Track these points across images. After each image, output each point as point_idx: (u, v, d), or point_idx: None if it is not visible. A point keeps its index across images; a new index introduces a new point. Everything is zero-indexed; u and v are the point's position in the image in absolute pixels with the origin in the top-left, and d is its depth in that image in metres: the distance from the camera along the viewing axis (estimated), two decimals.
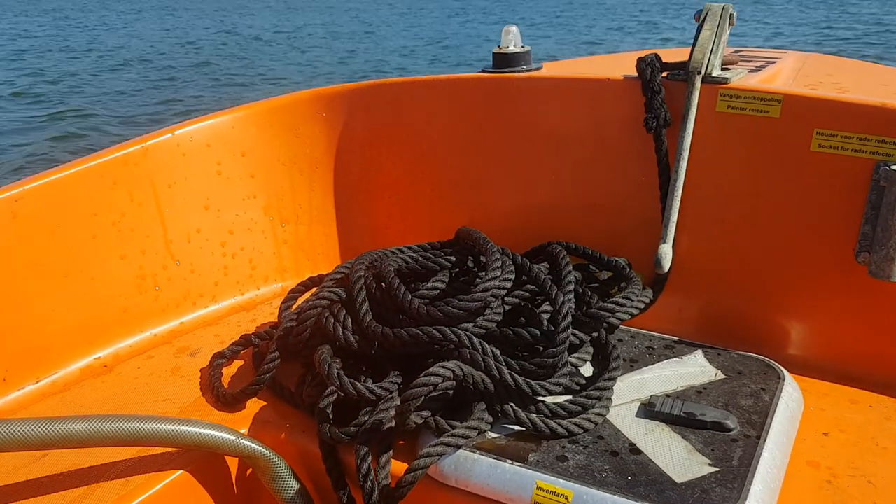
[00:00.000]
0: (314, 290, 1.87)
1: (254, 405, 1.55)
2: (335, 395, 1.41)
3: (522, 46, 1.97)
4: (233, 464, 1.47)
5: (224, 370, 1.67)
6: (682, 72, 1.72)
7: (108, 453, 1.39)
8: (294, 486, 1.39)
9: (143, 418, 1.28)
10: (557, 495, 1.19)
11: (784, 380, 1.48)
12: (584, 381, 1.45)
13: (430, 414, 1.33)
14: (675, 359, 1.57)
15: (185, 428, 1.30)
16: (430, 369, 1.30)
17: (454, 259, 1.61)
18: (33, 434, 1.19)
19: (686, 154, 1.66)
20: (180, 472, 1.36)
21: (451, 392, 1.36)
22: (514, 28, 1.98)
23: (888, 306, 1.56)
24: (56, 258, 1.70)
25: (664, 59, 1.76)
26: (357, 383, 1.37)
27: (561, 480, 1.21)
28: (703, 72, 1.69)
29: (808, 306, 1.65)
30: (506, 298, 1.53)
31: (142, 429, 1.27)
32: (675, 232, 1.68)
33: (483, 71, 1.98)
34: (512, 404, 1.34)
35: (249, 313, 1.96)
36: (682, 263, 1.74)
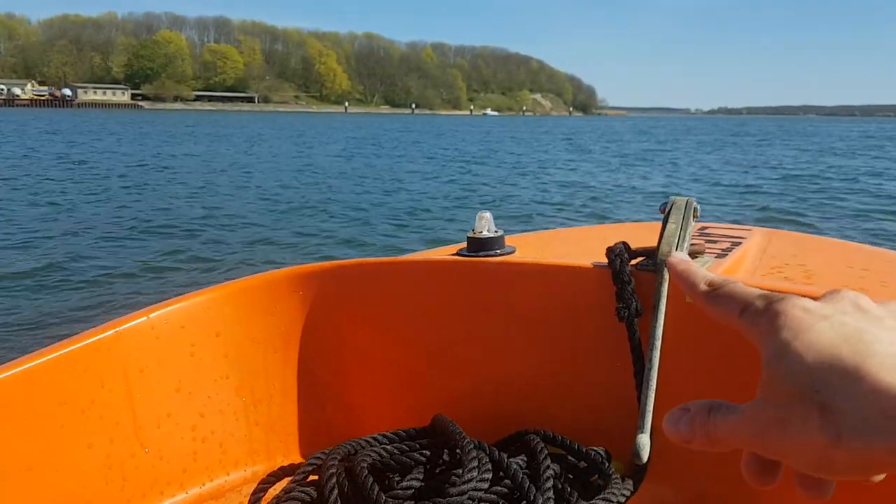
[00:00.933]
0: (286, 480, 1.82)
1: None
2: None
3: (496, 231, 2.04)
4: None
5: None
6: (651, 263, 1.77)
7: None
8: None
9: None
10: None
11: None
12: None
13: None
14: None
15: None
16: None
17: (428, 454, 1.59)
18: None
19: (658, 343, 1.69)
20: None
21: None
22: (487, 214, 2.05)
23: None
24: (21, 451, 1.65)
25: (634, 241, 1.82)
26: None
27: None
28: None
29: (791, 497, 1.63)
30: (483, 495, 1.50)
31: None
32: (653, 420, 1.67)
33: (458, 254, 2.03)
34: None
35: (218, 502, 1.90)
36: (661, 452, 1.73)
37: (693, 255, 1.83)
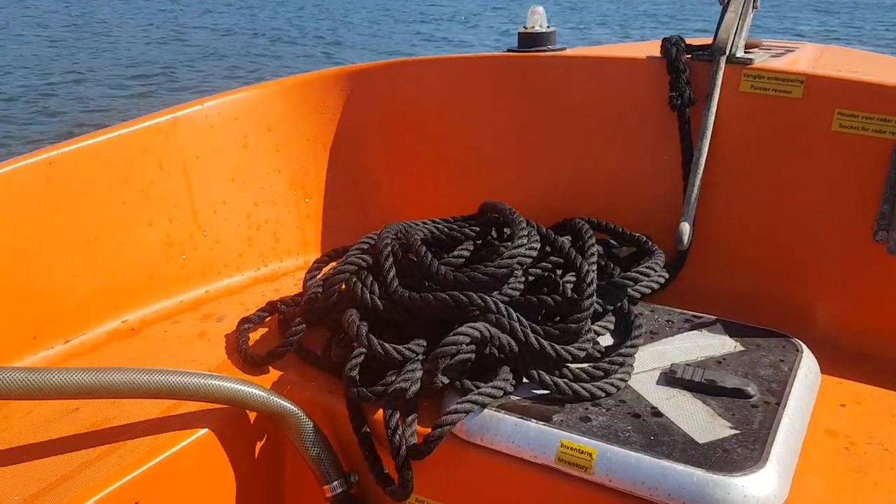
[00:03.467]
0: (338, 260, 1.90)
1: (279, 368, 1.58)
2: (362, 356, 1.43)
3: (548, 27, 2.00)
4: (256, 424, 1.50)
5: (250, 335, 1.70)
6: (707, 52, 1.75)
7: (136, 411, 1.42)
8: (321, 444, 1.42)
9: (176, 372, 1.31)
10: (582, 453, 1.22)
11: (802, 352, 1.50)
12: (604, 350, 1.48)
13: (456, 375, 1.37)
14: (694, 331, 1.59)
15: (217, 382, 1.33)
16: (459, 329, 1.33)
17: (478, 230, 1.64)
18: (71, 382, 1.22)
19: (709, 132, 1.69)
20: (205, 430, 1.39)
21: (473, 356, 1.39)
22: (540, 8, 2.01)
23: None
24: (86, 222, 1.73)
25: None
26: (385, 344, 1.40)
27: (585, 439, 1.23)
28: (727, 52, 1.72)
29: (826, 283, 1.68)
30: (529, 269, 1.56)
31: (175, 382, 1.30)
32: (696, 209, 1.70)
33: (508, 51, 2.01)
34: (536, 368, 1.37)
35: (273, 284, 2.00)
36: (701, 240, 1.77)
37: (749, 47, 1.80)
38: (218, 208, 1.98)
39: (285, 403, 1.39)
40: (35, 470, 1.28)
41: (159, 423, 1.39)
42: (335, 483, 1.42)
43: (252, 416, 1.46)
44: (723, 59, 1.70)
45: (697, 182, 1.69)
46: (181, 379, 1.30)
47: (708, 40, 1.86)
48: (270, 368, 1.59)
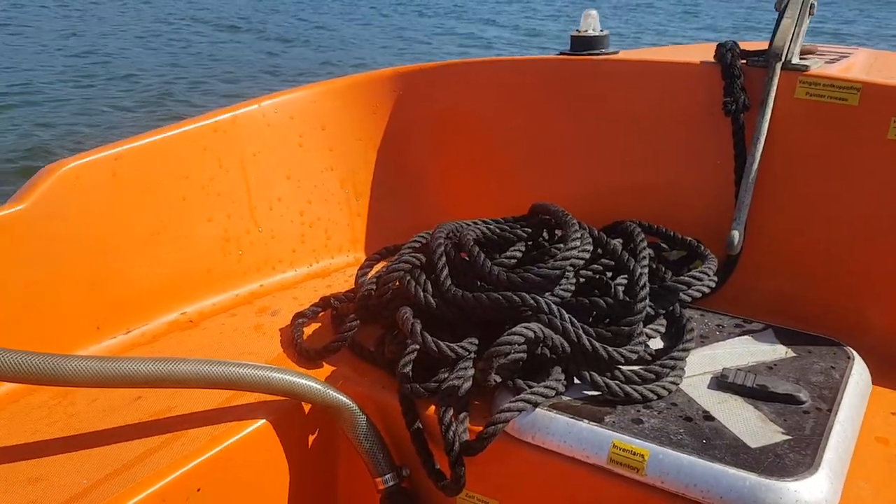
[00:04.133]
0: (389, 259, 1.94)
1: (333, 362, 1.62)
2: (416, 353, 1.47)
3: (601, 30, 2.02)
4: (311, 417, 1.54)
5: (304, 329, 1.74)
6: (762, 58, 1.75)
7: (196, 401, 1.47)
8: (374, 437, 1.45)
9: (237, 364, 1.36)
10: (634, 454, 1.24)
11: (853, 360, 1.50)
12: (654, 353, 1.49)
13: (508, 374, 1.39)
14: (745, 336, 1.60)
15: (276, 375, 1.38)
16: (513, 329, 1.35)
17: (530, 231, 1.66)
18: (139, 371, 1.27)
19: (763, 138, 1.69)
20: (263, 421, 1.43)
21: (524, 357, 1.41)
22: (594, 12, 2.03)
23: None
24: (149, 216, 1.79)
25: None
26: (438, 341, 1.43)
27: (637, 440, 1.25)
28: (783, 58, 1.72)
29: (879, 291, 1.67)
30: (580, 271, 1.57)
31: (237, 373, 1.34)
32: (748, 214, 1.71)
33: (561, 53, 2.03)
34: (588, 369, 1.39)
35: (324, 280, 2.04)
36: (752, 246, 1.77)
37: (804, 53, 1.79)
38: (273, 205, 2.03)
39: (341, 397, 1.43)
40: (101, 455, 1.33)
41: (219, 413, 1.44)
42: (387, 476, 1.45)
43: (307, 408, 1.50)
44: (778, 66, 1.70)
45: (750, 188, 1.69)
46: (243, 371, 1.35)
47: (759, 44, 1.86)
48: (324, 363, 1.63)
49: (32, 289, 1.58)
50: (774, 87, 1.69)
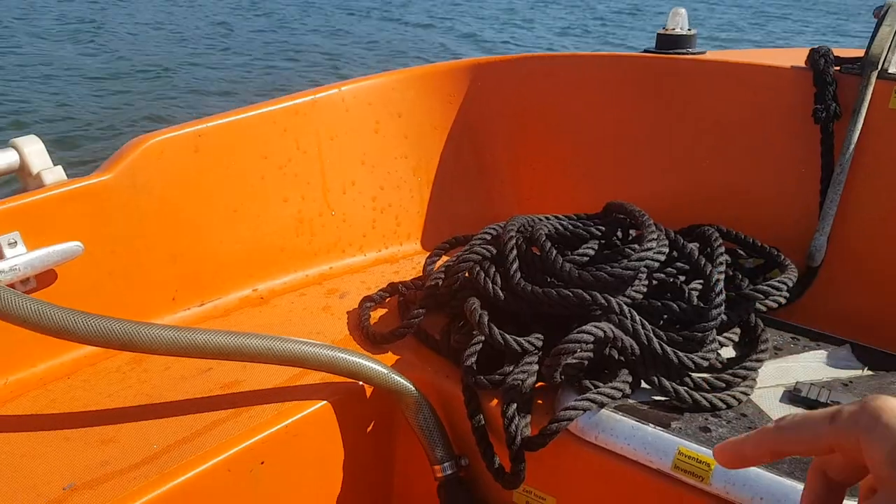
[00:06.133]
0: (457, 249, 1.94)
1: (398, 348, 1.63)
2: (481, 344, 1.46)
3: (689, 29, 1.97)
4: (372, 401, 1.55)
5: (371, 313, 1.76)
6: (856, 66, 1.69)
7: (263, 377, 1.50)
8: (435, 425, 1.46)
9: (306, 342, 1.38)
10: (700, 462, 1.21)
11: None
12: (725, 361, 1.46)
13: (574, 373, 1.38)
14: (821, 351, 1.55)
15: (344, 356, 1.39)
16: (583, 327, 1.34)
17: (604, 229, 1.64)
18: (213, 343, 1.30)
19: (853, 148, 1.63)
20: (324, 402, 1.44)
21: (591, 356, 1.39)
22: (682, 10, 1.99)
23: None
24: (228, 193, 1.83)
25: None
26: (505, 335, 1.42)
27: (704, 449, 1.22)
28: (878, 67, 1.65)
29: None
30: (654, 273, 1.55)
31: (306, 351, 1.36)
32: (832, 225, 1.65)
33: (646, 51, 1.99)
34: (656, 373, 1.37)
35: (392, 265, 2.05)
36: (833, 258, 1.71)
37: None
38: (347, 189, 2.05)
39: (405, 382, 1.44)
40: (172, 423, 1.37)
41: (284, 390, 1.46)
42: (446, 464, 1.46)
43: (368, 392, 1.51)
44: (874, 74, 1.63)
45: (837, 198, 1.64)
46: (310, 349, 1.37)
47: (852, 52, 1.80)
48: (389, 348, 1.64)
49: (115, 257, 1.63)
50: (868, 96, 1.63)
